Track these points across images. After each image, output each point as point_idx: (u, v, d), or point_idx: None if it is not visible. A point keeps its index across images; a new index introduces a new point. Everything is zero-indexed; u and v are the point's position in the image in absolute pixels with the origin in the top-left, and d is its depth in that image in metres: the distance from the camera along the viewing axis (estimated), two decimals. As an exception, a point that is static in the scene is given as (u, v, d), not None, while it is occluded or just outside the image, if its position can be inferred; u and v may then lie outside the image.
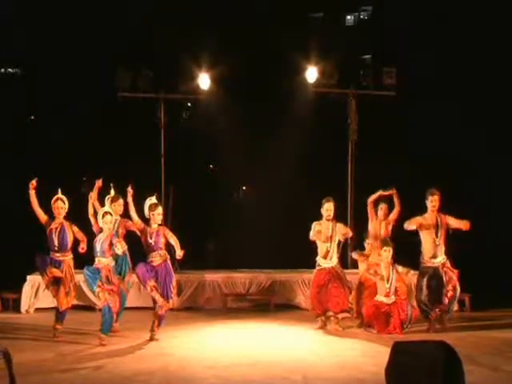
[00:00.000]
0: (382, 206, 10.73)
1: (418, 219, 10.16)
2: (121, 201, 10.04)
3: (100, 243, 9.26)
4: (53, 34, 14.19)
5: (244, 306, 12.34)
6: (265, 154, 14.81)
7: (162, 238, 9.51)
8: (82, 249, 9.71)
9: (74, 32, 14.16)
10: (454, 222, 10.15)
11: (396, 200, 10.64)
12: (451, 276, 10.05)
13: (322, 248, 10.40)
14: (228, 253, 14.68)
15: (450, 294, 10.02)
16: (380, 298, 10.07)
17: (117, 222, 10.03)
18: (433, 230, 10.09)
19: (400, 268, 10.41)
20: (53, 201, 9.82)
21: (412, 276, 10.97)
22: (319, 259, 10.43)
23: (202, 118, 14.81)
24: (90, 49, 14.07)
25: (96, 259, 9.29)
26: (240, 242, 14.59)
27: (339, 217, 12.97)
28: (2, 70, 15.84)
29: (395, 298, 10.09)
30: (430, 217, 10.15)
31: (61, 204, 9.79)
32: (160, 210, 9.64)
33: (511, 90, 13.49)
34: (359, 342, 9.51)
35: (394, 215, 10.66)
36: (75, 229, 9.85)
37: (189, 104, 15.05)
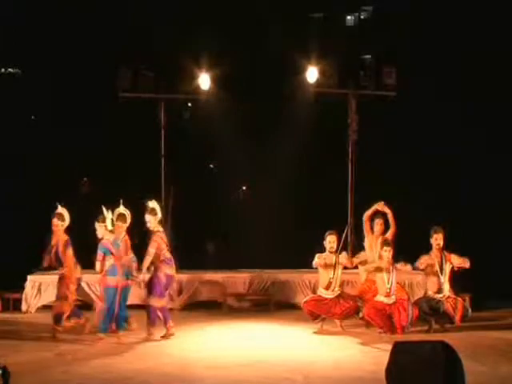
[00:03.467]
0: (379, 221, 10.68)
1: (427, 259, 10.23)
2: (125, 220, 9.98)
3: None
4: (53, 34, 14.18)
5: (244, 305, 12.35)
6: (265, 154, 14.80)
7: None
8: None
9: (75, 32, 14.14)
10: (458, 261, 10.23)
11: (391, 220, 10.60)
12: (455, 305, 10.06)
13: (324, 278, 10.30)
14: (228, 253, 14.68)
15: (458, 314, 10.05)
16: (380, 298, 10.06)
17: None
18: (438, 267, 10.19)
19: (399, 265, 10.36)
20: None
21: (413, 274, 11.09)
22: (320, 290, 10.37)
23: (203, 118, 14.80)
24: (90, 49, 14.06)
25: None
26: (240, 242, 14.59)
27: (340, 216, 13.03)
28: (3, 69, 15.83)
29: (395, 298, 10.10)
30: (434, 255, 10.26)
31: (55, 221, 9.74)
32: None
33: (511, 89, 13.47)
34: (359, 341, 9.52)
35: (390, 235, 10.60)
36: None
37: (189, 104, 15.03)
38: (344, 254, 10.55)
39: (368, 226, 10.77)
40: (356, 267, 11.00)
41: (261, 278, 12.42)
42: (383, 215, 10.73)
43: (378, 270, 10.14)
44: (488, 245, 12.04)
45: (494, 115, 13.60)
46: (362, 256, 10.86)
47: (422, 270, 10.38)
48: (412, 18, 14.52)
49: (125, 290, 9.50)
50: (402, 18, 14.80)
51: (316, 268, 10.32)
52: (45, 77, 14.31)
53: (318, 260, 10.17)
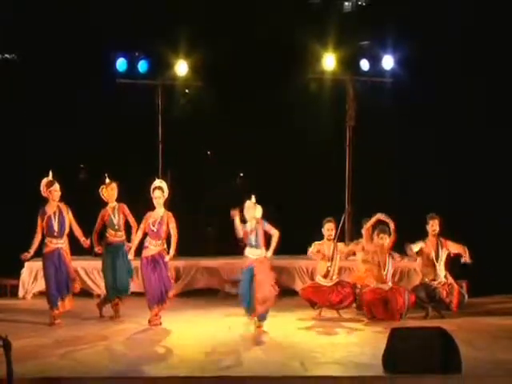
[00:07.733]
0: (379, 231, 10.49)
1: (420, 243, 10.23)
2: (113, 185, 10.11)
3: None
4: (50, 19, 14.08)
5: (241, 292, 12.35)
6: (263, 140, 14.75)
7: (164, 226, 9.58)
8: (84, 242, 9.75)
9: (72, 18, 14.04)
10: (454, 248, 10.22)
11: (392, 229, 10.35)
12: (451, 291, 10.07)
13: (321, 267, 10.35)
14: (226, 239, 14.66)
15: (454, 301, 10.07)
16: (377, 284, 10.09)
17: (115, 208, 10.06)
18: (434, 254, 10.20)
19: (396, 256, 10.37)
20: (47, 184, 9.70)
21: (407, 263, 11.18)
22: (318, 278, 10.41)
23: (200, 103, 14.75)
24: (88, 35, 13.96)
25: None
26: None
27: (338, 202, 13.05)
28: (-1, 55, 15.74)
29: (392, 284, 10.14)
30: (430, 241, 10.27)
31: (57, 187, 9.71)
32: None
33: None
34: (357, 327, 9.56)
35: (389, 243, 10.38)
36: (71, 215, 9.81)
37: (187, 90, 14.97)
38: (341, 244, 10.62)
39: (368, 235, 10.38)
40: (354, 254, 10.98)
41: (258, 265, 12.40)
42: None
43: (375, 256, 10.17)
44: (485, 230, 12.05)
45: (494, 102, 13.54)
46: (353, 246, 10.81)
47: (417, 254, 10.39)
48: (410, 4, 14.43)
49: None
50: (401, 3, 14.71)
51: (311, 257, 10.39)
52: (41, 62, 14.21)
53: (313, 249, 10.22)
